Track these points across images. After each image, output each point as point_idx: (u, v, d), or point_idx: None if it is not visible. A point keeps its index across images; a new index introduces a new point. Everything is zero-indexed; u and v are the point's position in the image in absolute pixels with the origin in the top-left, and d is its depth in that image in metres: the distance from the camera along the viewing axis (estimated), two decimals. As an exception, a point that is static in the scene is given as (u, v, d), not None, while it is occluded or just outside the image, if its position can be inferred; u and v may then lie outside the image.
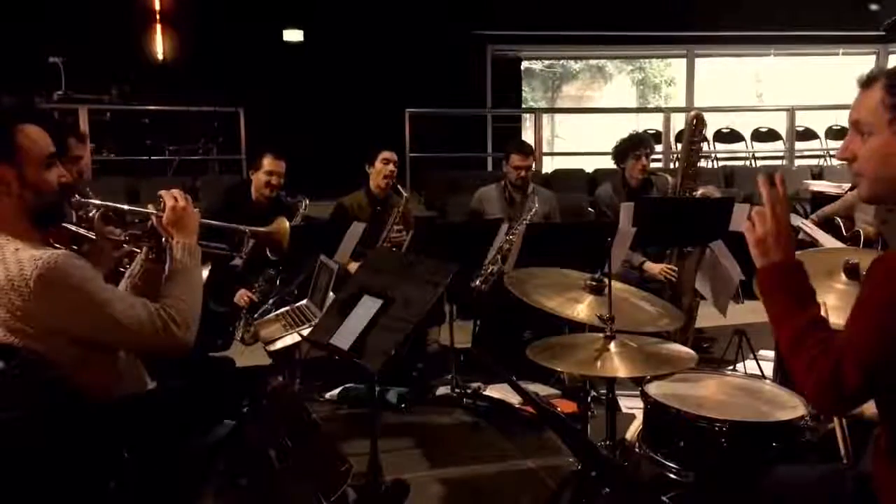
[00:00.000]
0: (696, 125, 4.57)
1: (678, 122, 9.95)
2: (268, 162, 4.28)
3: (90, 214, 2.13)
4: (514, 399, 3.77)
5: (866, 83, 1.60)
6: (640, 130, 7.77)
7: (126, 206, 2.26)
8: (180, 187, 2.25)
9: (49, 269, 1.81)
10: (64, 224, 2.09)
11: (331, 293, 3.46)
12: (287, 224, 2.67)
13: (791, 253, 1.65)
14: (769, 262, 1.64)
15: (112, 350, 2.02)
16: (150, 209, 2.18)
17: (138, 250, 2.27)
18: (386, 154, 4.67)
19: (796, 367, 1.54)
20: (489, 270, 4.29)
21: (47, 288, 1.81)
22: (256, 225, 2.66)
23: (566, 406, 3.71)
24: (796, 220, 4.67)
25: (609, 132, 8.68)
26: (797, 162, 9.60)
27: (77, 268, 1.86)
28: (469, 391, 4.02)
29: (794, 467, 1.84)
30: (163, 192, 2.18)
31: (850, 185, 5.36)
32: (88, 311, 1.87)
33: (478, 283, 4.30)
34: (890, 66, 1.71)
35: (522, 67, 11.78)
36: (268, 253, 2.77)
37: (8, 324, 1.84)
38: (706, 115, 4.76)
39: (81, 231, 2.14)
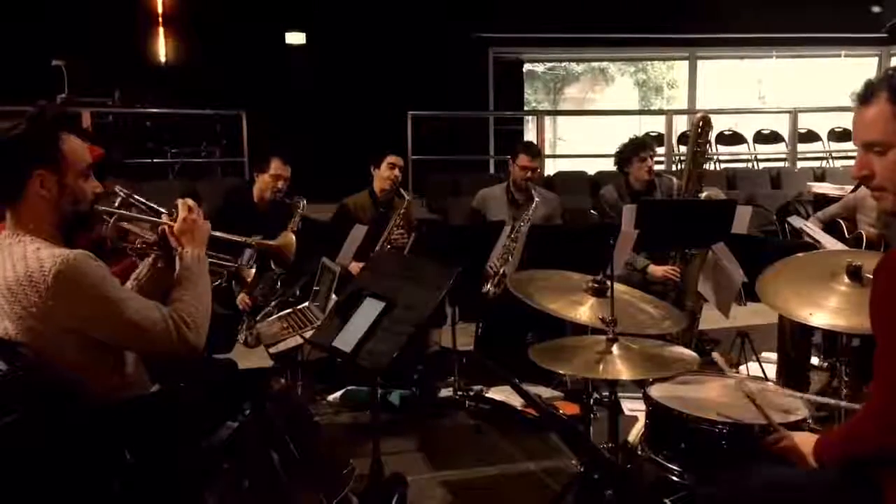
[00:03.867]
0: (702, 127, 4.55)
1: (680, 124, 9.97)
2: (276, 165, 4.30)
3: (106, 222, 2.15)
4: (517, 401, 3.76)
5: (865, 98, 1.51)
6: (643, 132, 7.77)
7: (140, 214, 2.26)
8: (183, 190, 2.26)
9: (67, 267, 1.84)
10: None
11: (333, 295, 3.47)
12: (293, 238, 2.68)
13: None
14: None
15: (119, 353, 2.02)
16: (164, 217, 2.21)
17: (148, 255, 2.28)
18: (392, 159, 4.67)
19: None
20: (501, 272, 4.26)
21: (65, 285, 1.84)
22: (259, 225, 2.66)
23: (568, 408, 3.71)
24: (798, 223, 4.66)
25: (611, 134, 8.69)
26: (799, 164, 9.60)
27: (94, 267, 1.90)
28: (471, 393, 4.02)
29: (796, 470, 1.83)
30: (178, 201, 2.21)
31: (851, 186, 5.34)
32: (103, 309, 1.89)
33: (489, 287, 4.28)
34: (890, 69, 1.58)
35: (524, 69, 11.78)
36: (272, 265, 2.78)
37: (22, 321, 1.86)
38: (708, 118, 4.75)
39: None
